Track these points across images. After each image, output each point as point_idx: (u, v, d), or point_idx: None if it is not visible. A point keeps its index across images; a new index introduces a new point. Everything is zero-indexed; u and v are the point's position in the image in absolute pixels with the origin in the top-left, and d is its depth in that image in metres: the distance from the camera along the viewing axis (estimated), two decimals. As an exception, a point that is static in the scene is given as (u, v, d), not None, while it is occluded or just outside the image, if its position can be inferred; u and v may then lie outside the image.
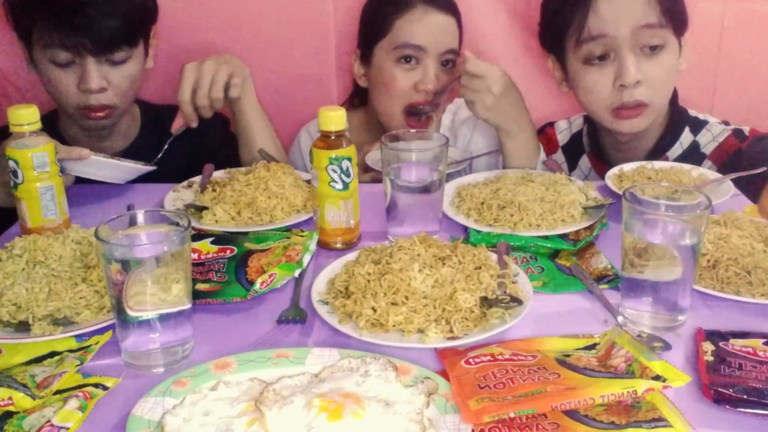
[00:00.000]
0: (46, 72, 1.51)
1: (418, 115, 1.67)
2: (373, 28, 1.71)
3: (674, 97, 1.60)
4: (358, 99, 1.89)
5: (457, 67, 1.69)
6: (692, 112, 1.63)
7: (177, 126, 1.58)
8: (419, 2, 1.64)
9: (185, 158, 1.60)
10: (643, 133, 1.58)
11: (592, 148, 1.72)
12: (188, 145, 1.67)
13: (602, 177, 1.49)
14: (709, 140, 1.58)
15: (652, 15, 1.43)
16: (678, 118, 1.61)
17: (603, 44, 1.45)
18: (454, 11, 1.68)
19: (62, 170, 1.28)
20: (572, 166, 1.75)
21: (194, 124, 1.56)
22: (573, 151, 1.76)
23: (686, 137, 1.60)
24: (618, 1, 1.44)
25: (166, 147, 1.61)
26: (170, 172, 1.51)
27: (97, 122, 1.56)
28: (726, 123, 1.62)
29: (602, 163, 1.67)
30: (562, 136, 1.79)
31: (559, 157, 1.77)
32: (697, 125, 1.61)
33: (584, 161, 1.74)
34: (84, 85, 1.49)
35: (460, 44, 1.73)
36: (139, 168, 1.49)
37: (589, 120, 1.71)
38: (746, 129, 1.58)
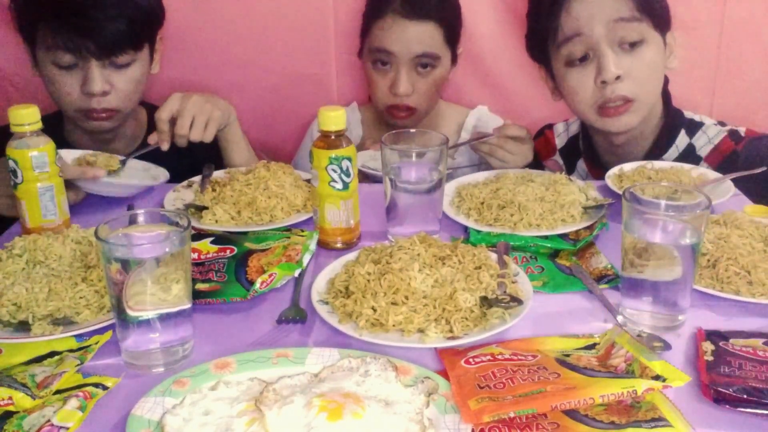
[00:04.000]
0: (48, 74, 1.51)
1: (399, 110, 1.72)
2: (362, 25, 1.76)
3: (668, 99, 1.60)
4: None
5: (438, 75, 1.71)
6: (687, 114, 1.63)
7: (152, 141, 1.51)
8: (390, 11, 1.66)
9: (186, 161, 1.59)
10: (638, 136, 1.58)
11: (587, 152, 1.72)
12: (190, 153, 1.66)
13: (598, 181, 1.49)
14: (705, 142, 1.58)
15: (625, 9, 1.43)
16: (673, 121, 1.60)
17: (580, 43, 1.45)
18: (435, 17, 1.67)
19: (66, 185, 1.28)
20: (570, 168, 1.75)
21: (165, 146, 1.49)
22: (570, 154, 1.76)
23: (682, 140, 1.59)
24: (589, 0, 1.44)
25: (144, 152, 1.55)
26: (170, 172, 1.50)
27: (99, 125, 1.55)
28: (722, 124, 1.61)
29: (598, 167, 1.66)
30: (560, 139, 1.80)
31: (557, 159, 1.78)
32: (693, 127, 1.60)
33: (581, 164, 1.74)
34: (87, 87, 1.48)
35: (453, 44, 1.73)
36: (150, 184, 1.47)
37: (584, 124, 1.71)
38: (742, 130, 1.57)
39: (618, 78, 1.44)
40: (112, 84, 1.51)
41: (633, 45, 1.45)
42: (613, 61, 1.43)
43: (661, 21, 1.48)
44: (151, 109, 1.72)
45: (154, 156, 1.53)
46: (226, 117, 1.58)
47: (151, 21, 1.57)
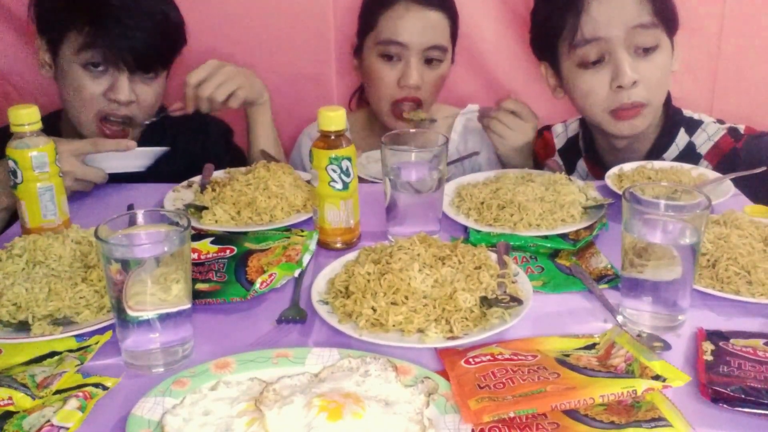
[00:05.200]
0: (72, 77, 1.51)
1: (406, 102, 1.71)
2: (363, 20, 1.74)
3: (668, 98, 1.60)
4: (359, 99, 1.90)
5: (444, 69, 1.71)
6: (687, 113, 1.63)
7: (175, 108, 1.60)
8: None
9: (186, 164, 1.60)
10: (639, 136, 1.58)
11: (587, 152, 1.72)
12: (191, 152, 1.66)
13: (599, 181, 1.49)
14: (704, 140, 1.58)
15: (645, 15, 1.43)
16: (673, 120, 1.60)
17: (597, 47, 1.45)
18: (444, 6, 1.68)
19: (59, 168, 1.28)
20: (570, 169, 1.74)
21: (190, 110, 1.57)
22: (570, 154, 1.76)
23: (682, 138, 1.60)
24: (610, 3, 1.44)
25: (155, 119, 1.61)
26: (170, 173, 1.50)
27: (113, 133, 1.56)
28: (721, 122, 1.62)
29: (599, 166, 1.67)
30: (559, 140, 1.80)
31: (557, 159, 1.77)
32: (692, 125, 1.61)
33: (581, 164, 1.74)
34: (113, 94, 1.50)
35: (454, 39, 1.73)
36: (157, 150, 1.50)
37: (584, 124, 1.71)
38: (741, 127, 1.58)
39: (634, 83, 1.45)
40: (137, 94, 1.53)
41: (647, 50, 1.46)
42: (630, 66, 1.44)
43: (672, 25, 1.49)
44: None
45: (156, 160, 1.54)
46: (257, 94, 1.62)
47: (179, 38, 1.59)
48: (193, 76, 1.54)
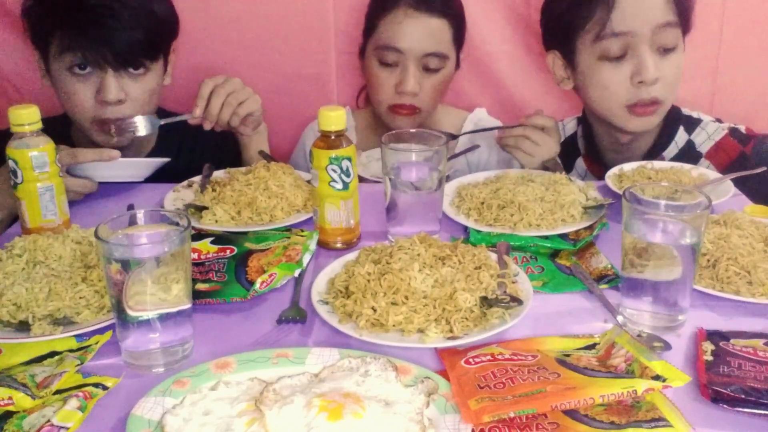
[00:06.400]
0: (62, 82, 1.50)
1: (403, 108, 1.70)
2: (366, 23, 1.74)
3: None
4: (366, 96, 1.90)
5: (445, 75, 1.70)
6: (685, 111, 1.64)
7: (197, 116, 1.54)
8: (403, 4, 1.64)
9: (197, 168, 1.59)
10: (641, 133, 1.58)
11: (587, 150, 1.72)
12: (208, 159, 1.66)
13: (598, 179, 1.49)
14: (704, 139, 1.59)
15: (670, 14, 1.46)
16: (672, 118, 1.61)
17: (623, 41, 1.47)
18: (446, 13, 1.66)
19: (68, 173, 1.28)
20: (567, 168, 1.74)
21: (198, 112, 1.52)
22: (567, 153, 1.76)
23: (681, 137, 1.60)
24: (640, 0, 1.45)
25: (174, 120, 1.58)
26: (171, 173, 1.50)
27: (110, 140, 1.54)
28: (719, 120, 1.62)
29: (598, 164, 1.67)
30: None
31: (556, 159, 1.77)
32: (691, 124, 1.61)
33: (579, 163, 1.74)
34: (102, 96, 1.48)
35: (459, 46, 1.73)
36: (156, 161, 1.49)
37: (583, 122, 1.71)
38: (742, 128, 1.58)
39: (655, 80, 1.46)
40: (127, 93, 1.51)
41: (666, 50, 1.47)
42: (654, 63, 1.45)
43: (688, 26, 1.51)
44: (162, 114, 1.71)
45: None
46: (260, 114, 1.59)
47: (166, 32, 1.57)
48: (207, 82, 1.52)
